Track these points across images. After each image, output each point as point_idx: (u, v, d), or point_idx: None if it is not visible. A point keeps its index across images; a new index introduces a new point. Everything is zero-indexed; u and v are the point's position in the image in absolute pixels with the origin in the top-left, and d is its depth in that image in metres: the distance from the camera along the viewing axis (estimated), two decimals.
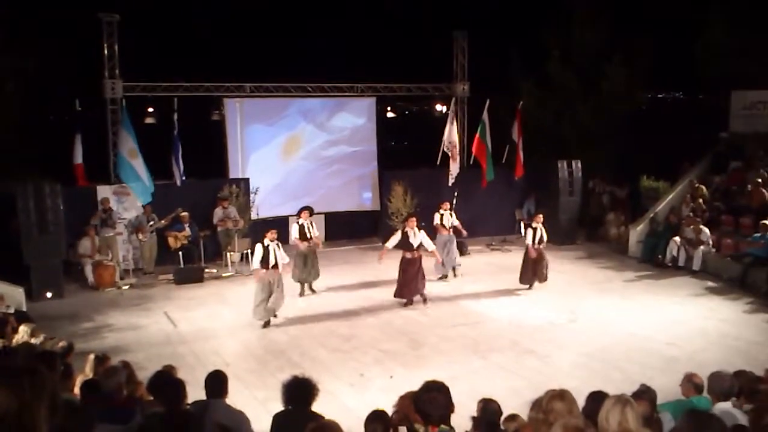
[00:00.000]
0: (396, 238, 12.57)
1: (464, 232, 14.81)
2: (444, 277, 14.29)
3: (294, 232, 13.20)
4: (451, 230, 14.42)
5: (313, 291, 13.41)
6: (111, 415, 4.70)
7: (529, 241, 13.44)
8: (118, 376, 5.35)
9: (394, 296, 12.53)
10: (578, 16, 19.30)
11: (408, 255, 12.44)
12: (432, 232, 13.87)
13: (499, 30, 21.41)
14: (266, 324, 11.33)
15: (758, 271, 13.28)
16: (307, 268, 13.20)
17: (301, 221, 13.21)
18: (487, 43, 20.18)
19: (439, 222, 14.39)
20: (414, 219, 12.70)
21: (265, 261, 11.26)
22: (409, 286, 12.44)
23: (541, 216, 13.65)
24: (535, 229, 13.45)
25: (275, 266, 11.33)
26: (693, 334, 10.76)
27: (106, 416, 4.65)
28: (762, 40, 16.76)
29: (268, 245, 11.30)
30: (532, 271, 13.43)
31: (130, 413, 4.83)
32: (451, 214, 14.58)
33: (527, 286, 13.46)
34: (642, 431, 3.91)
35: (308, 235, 13.17)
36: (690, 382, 5.79)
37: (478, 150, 17.00)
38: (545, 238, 13.51)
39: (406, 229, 12.54)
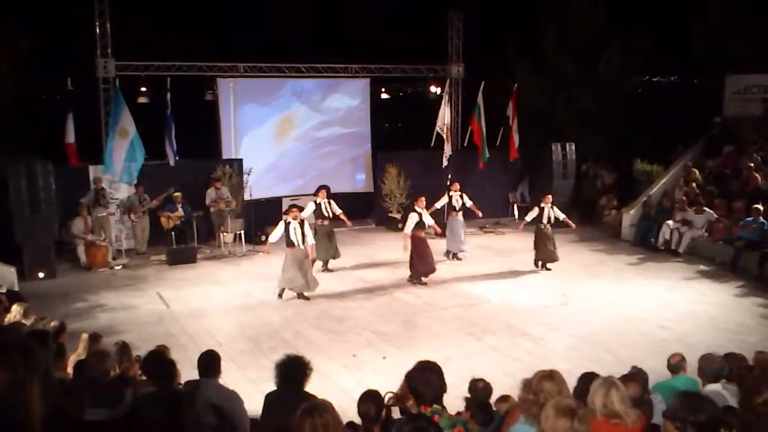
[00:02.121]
0: (413, 220, 12.60)
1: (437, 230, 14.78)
2: (455, 256, 14.45)
3: (309, 210, 13.19)
4: (460, 212, 14.50)
5: (329, 270, 13.49)
6: (100, 398, 4.68)
7: (544, 220, 13.54)
8: (106, 361, 5.34)
9: (414, 277, 12.62)
10: None
11: (422, 234, 12.61)
12: (442, 215, 14.08)
13: (494, 11, 21.29)
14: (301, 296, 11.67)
15: (750, 254, 13.35)
16: (329, 245, 13.35)
17: (318, 200, 13.27)
18: (482, 24, 20.07)
19: (457, 204, 14.44)
20: (423, 198, 12.88)
21: (287, 239, 11.52)
22: (429, 263, 12.58)
23: (549, 197, 13.75)
24: (542, 209, 13.53)
25: (292, 244, 11.52)
26: (684, 317, 10.82)
27: (94, 400, 4.63)
28: (757, 24, 16.72)
29: (290, 223, 11.48)
30: (548, 250, 13.50)
31: (119, 397, 4.81)
32: (461, 196, 14.62)
33: (555, 260, 13.57)
34: (629, 412, 3.94)
35: (326, 214, 13.26)
36: (667, 362, 5.90)
37: (475, 133, 17.09)
38: (559, 216, 13.60)
39: (418, 210, 12.64)
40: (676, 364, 5.84)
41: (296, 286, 11.66)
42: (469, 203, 14.63)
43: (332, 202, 13.54)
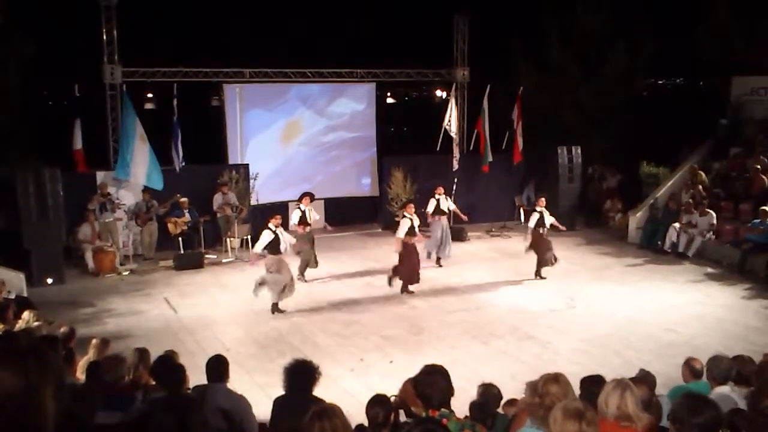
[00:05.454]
0: (405, 225, 12.49)
1: (463, 217, 14.88)
2: (438, 261, 14.27)
3: (294, 218, 13.19)
4: (443, 217, 14.35)
5: (305, 280, 13.20)
6: (111, 402, 4.72)
7: (531, 224, 13.36)
8: (121, 366, 5.36)
9: (404, 286, 12.41)
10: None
11: (412, 241, 12.49)
12: (425, 218, 14.02)
13: (499, 14, 21.29)
14: (275, 309, 11.36)
15: (757, 257, 13.31)
16: (309, 252, 13.16)
17: (302, 207, 13.19)
18: (487, 27, 20.08)
19: (432, 209, 14.32)
20: (412, 205, 12.80)
21: (274, 247, 11.36)
22: (416, 271, 12.47)
23: (543, 200, 13.64)
24: (541, 213, 13.35)
25: (278, 251, 11.39)
26: (691, 320, 10.80)
27: (105, 404, 4.67)
28: (762, 26, 16.69)
29: (276, 231, 11.38)
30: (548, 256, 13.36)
31: (130, 400, 4.85)
32: (446, 199, 14.53)
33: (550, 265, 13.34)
34: (641, 415, 3.94)
35: (309, 221, 13.17)
36: (687, 366, 5.83)
37: (481, 137, 17.13)
38: (550, 222, 13.41)
39: (407, 216, 12.58)
40: (698, 369, 5.78)
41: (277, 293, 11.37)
42: (452, 207, 14.60)
43: (312, 209, 13.33)
